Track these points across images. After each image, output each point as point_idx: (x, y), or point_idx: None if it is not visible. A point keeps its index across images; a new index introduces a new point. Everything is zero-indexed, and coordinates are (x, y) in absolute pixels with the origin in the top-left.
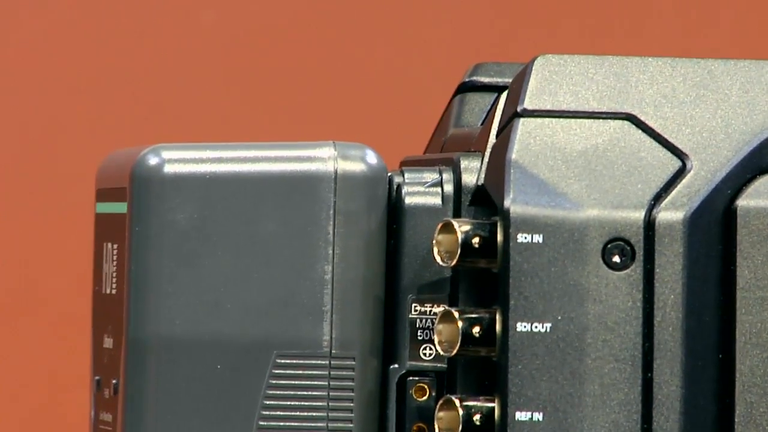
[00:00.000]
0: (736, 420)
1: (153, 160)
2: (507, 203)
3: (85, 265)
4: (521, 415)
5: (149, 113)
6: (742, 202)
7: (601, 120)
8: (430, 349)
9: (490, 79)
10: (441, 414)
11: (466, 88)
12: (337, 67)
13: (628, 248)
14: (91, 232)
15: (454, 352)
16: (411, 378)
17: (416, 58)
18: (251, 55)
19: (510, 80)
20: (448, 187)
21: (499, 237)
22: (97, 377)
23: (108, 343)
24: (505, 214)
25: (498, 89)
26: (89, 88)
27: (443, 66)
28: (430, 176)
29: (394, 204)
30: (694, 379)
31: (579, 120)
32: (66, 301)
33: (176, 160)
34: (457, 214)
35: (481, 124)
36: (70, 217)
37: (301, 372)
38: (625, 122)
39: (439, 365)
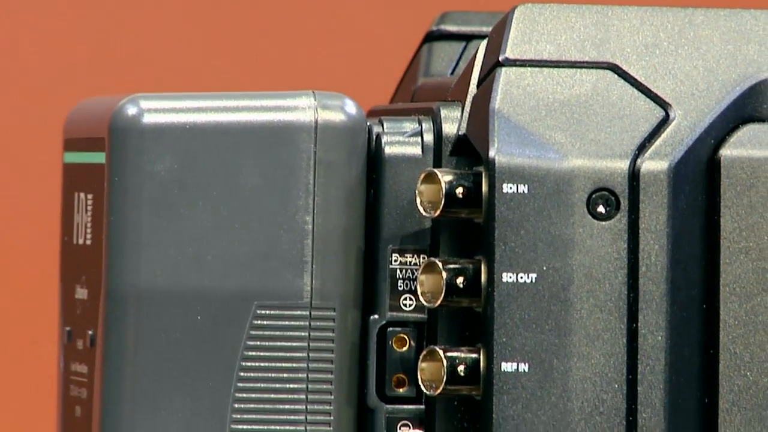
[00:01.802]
0: (720, 370)
1: (132, 110)
2: (492, 153)
3: (38, 213)
4: (507, 366)
5: (114, 62)
6: (725, 152)
7: (583, 69)
8: (410, 299)
9: (458, 27)
10: (424, 365)
11: (433, 36)
12: (298, 16)
13: (613, 198)
14: (49, 180)
15: (438, 302)
16: (391, 329)
17: (382, 7)
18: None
19: (477, 29)
20: (428, 137)
21: (484, 187)
22: (67, 328)
23: (81, 293)
24: (490, 165)
25: (465, 38)
26: (52, 38)
27: (408, 15)
28: (410, 126)
29: (373, 154)
30: (679, 329)
31: (561, 69)
32: (22, 250)
33: (155, 110)
34: (437, 164)
35: (451, 72)
36: (31, 166)
37: (281, 323)
38: (608, 71)
39: (419, 316)
